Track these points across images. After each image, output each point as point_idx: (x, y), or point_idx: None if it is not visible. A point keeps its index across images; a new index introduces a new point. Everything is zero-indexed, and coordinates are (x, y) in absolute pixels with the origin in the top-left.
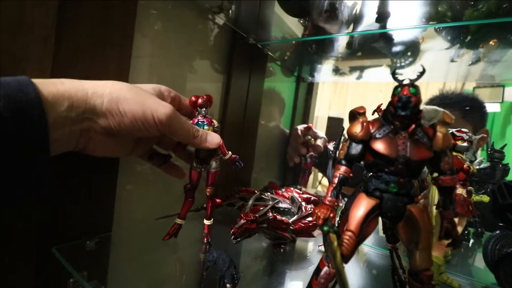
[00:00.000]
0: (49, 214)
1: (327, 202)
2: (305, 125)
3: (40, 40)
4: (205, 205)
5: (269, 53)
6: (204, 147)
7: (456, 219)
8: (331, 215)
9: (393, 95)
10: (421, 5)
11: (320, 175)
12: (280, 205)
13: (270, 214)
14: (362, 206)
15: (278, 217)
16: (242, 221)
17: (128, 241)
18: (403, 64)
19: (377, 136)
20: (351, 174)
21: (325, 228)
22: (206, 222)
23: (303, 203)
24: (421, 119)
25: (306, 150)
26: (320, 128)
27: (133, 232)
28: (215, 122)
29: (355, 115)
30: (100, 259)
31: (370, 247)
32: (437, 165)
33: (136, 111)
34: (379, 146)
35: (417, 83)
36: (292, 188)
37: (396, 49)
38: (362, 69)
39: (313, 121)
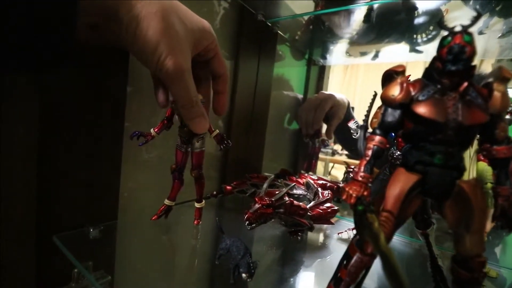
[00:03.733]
0: (48, 199)
1: (360, 178)
2: None
3: None
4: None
5: (279, 32)
6: (189, 126)
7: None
8: (365, 193)
9: (441, 46)
10: None
11: (331, 164)
12: (295, 191)
13: (287, 198)
14: (401, 182)
15: (295, 202)
16: (257, 206)
17: (134, 230)
18: (424, 39)
19: (420, 98)
20: (387, 145)
21: (360, 208)
22: (197, 205)
23: (319, 190)
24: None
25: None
26: None
27: (139, 220)
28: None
29: (391, 75)
30: (105, 247)
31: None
32: (492, 132)
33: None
34: (424, 109)
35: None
36: (306, 174)
37: (418, 22)
38: (378, 47)
39: None
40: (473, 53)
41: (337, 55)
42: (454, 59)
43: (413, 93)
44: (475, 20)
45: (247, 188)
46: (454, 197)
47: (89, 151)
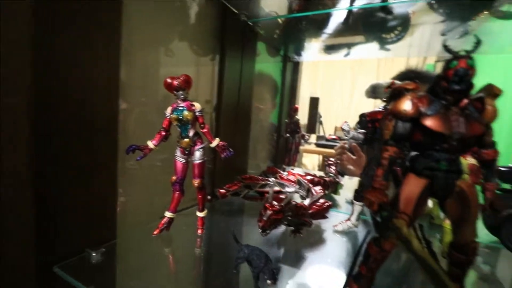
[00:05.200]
0: (47, 229)
1: (379, 186)
2: None
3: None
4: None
5: (260, 31)
6: None
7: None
8: (385, 199)
9: (448, 68)
10: None
11: (305, 154)
12: (287, 189)
13: (293, 202)
14: (413, 187)
15: (299, 203)
16: (269, 212)
17: (136, 247)
18: (394, 39)
19: (429, 113)
20: (398, 156)
21: (385, 214)
22: (199, 214)
23: (311, 186)
24: (370, 93)
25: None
26: (302, 107)
27: (139, 236)
28: (197, 106)
29: (401, 91)
30: (108, 270)
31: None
32: (482, 139)
33: None
34: (432, 123)
35: (400, 56)
36: (294, 171)
37: (389, 24)
38: (350, 46)
39: (299, 101)
40: (474, 74)
41: (311, 52)
42: (459, 80)
43: (422, 109)
44: (476, 46)
45: (241, 189)
46: (454, 195)
47: (84, 168)
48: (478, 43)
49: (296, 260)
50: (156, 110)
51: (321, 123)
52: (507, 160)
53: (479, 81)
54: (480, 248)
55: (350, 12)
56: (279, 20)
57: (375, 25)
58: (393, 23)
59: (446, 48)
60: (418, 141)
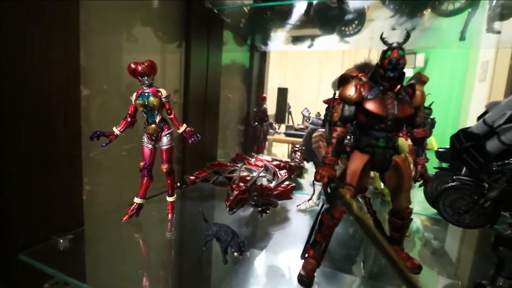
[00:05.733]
0: (4, 220)
1: (329, 162)
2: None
3: None
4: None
5: (226, 19)
6: None
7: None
8: (333, 173)
9: (383, 58)
10: None
11: (275, 144)
12: (254, 173)
13: (258, 183)
14: (358, 162)
15: (264, 184)
16: (236, 192)
17: (106, 233)
18: (352, 32)
19: (369, 97)
20: (345, 135)
21: (333, 185)
22: (169, 199)
23: (277, 170)
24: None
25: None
26: (271, 97)
27: (108, 223)
28: (163, 92)
29: (347, 78)
30: (76, 256)
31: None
32: (413, 120)
33: None
34: (372, 106)
35: (360, 49)
36: (261, 157)
37: (346, 18)
38: (313, 37)
39: (267, 91)
40: (405, 64)
41: (277, 42)
42: (392, 68)
43: (363, 93)
44: (406, 38)
45: (210, 176)
46: (391, 168)
47: (44, 157)
48: (407, 36)
49: (263, 236)
50: (120, 97)
51: (290, 113)
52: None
53: (430, 73)
54: (430, 223)
55: (310, 4)
56: (245, 9)
57: (333, 19)
58: (350, 16)
59: (382, 40)
60: (361, 122)
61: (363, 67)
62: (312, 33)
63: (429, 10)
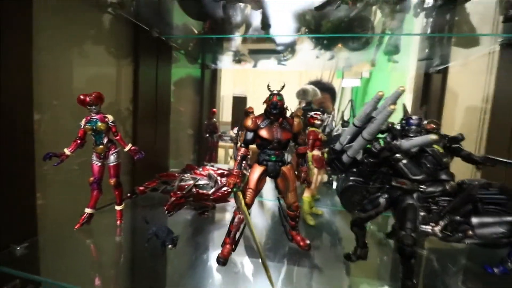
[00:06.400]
0: None
1: (235, 173)
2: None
3: None
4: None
5: (174, 44)
6: None
7: (316, 171)
8: (237, 180)
9: (269, 100)
10: (293, 16)
11: (231, 151)
12: (200, 182)
13: (194, 190)
14: (256, 171)
15: (200, 191)
16: (172, 199)
17: (58, 241)
18: (285, 58)
19: (262, 126)
20: (248, 153)
21: (234, 189)
22: (117, 207)
23: (218, 178)
24: (303, 96)
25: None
26: (226, 106)
27: (62, 232)
28: (110, 117)
29: (247, 113)
30: (33, 260)
31: (269, 200)
32: (296, 140)
33: None
34: (263, 133)
35: (296, 70)
36: (208, 167)
37: (280, 48)
38: (256, 59)
39: (219, 103)
40: (282, 105)
41: (225, 62)
42: (274, 107)
43: (258, 123)
44: (282, 88)
45: (158, 186)
46: (281, 176)
47: (2, 175)
48: (283, 86)
49: (197, 231)
50: (71, 113)
51: None
52: None
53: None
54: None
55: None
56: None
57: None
58: (282, 47)
59: (268, 88)
60: (258, 144)
61: (316, 83)
62: (254, 57)
63: (339, 46)
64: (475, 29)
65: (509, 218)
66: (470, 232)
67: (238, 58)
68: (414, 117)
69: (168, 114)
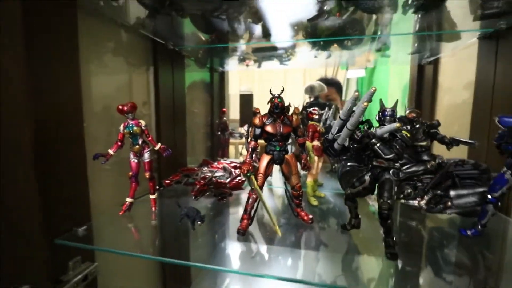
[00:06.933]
0: (47, 218)
1: (247, 161)
2: None
3: None
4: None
5: (185, 54)
6: None
7: (316, 158)
8: (250, 167)
9: (271, 102)
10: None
11: (240, 147)
12: (217, 174)
13: (214, 179)
14: (265, 160)
15: (219, 180)
16: (198, 186)
17: (107, 224)
18: (287, 59)
19: (267, 123)
20: (257, 145)
21: (248, 174)
22: (152, 196)
23: (232, 170)
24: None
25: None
26: (235, 105)
27: (109, 218)
28: (142, 122)
29: (255, 113)
30: (92, 240)
31: (277, 187)
32: (296, 133)
33: None
34: (269, 128)
35: (298, 68)
36: (222, 161)
37: (281, 51)
38: (260, 61)
39: (228, 102)
40: (283, 105)
41: (231, 65)
42: (275, 108)
43: (264, 121)
44: (282, 91)
45: (181, 179)
46: (284, 162)
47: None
48: (282, 90)
49: (218, 213)
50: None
51: None
52: None
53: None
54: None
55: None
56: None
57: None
58: (283, 51)
59: (270, 92)
60: (265, 137)
61: (321, 80)
62: (258, 59)
63: (335, 45)
64: (456, 24)
65: (480, 189)
66: (449, 203)
67: (242, 57)
68: (388, 109)
69: (184, 116)
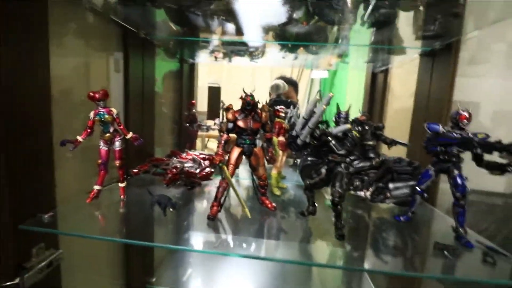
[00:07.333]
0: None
1: (220, 152)
2: None
3: None
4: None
5: (156, 43)
6: None
7: (281, 153)
8: (222, 158)
9: (243, 99)
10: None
11: (206, 139)
12: (186, 164)
13: (184, 169)
14: (235, 151)
15: (189, 170)
16: (170, 175)
17: (74, 211)
18: (258, 57)
19: (239, 118)
20: (229, 138)
21: (221, 164)
22: (121, 185)
23: (202, 161)
24: (276, 90)
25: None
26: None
27: (76, 205)
28: (114, 110)
29: (228, 109)
30: (58, 226)
31: (243, 179)
32: (264, 128)
33: None
34: (240, 123)
35: (266, 66)
36: (191, 152)
37: (251, 49)
38: (230, 57)
39: (197, 94)
40: (254, 103)
41: (202, 58)
42: (247, 105)
43: (237, 116)
44: (253, 91)
45: (150, 168)
46: (253, 155)
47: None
48: (254, 90)
49: (188, 201)
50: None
51: (224, 110)
52: None
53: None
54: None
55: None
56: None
57: (241, 50)
58: (253, 49)
59: (243, 90)
60: (237, 131)
61: (281, 78)
62: (228, 55)
63: (301, 48)
64: (403, 41)
65: (411, 183)
66: (388, 194)
67: (212, 50)
68: (343, 112)
69: (153, 105)
